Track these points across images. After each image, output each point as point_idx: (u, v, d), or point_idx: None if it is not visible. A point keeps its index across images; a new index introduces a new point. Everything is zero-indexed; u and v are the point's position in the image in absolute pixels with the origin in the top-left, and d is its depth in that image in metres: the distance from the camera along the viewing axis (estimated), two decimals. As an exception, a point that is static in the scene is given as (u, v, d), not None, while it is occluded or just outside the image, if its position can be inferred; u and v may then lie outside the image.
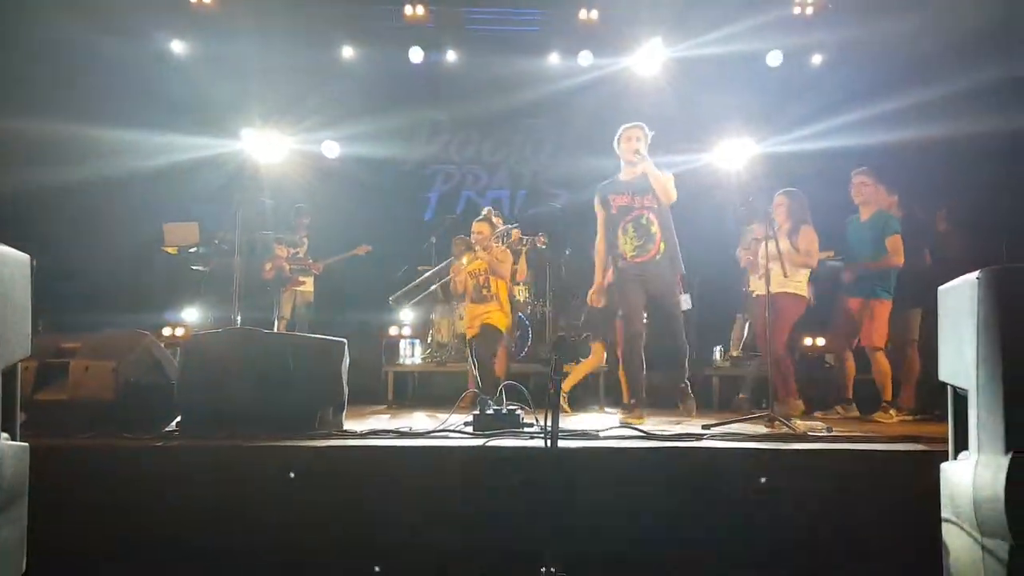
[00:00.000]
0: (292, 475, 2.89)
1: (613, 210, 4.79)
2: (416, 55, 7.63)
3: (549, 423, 2.75)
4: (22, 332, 1.94)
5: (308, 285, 7.17)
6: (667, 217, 4.73)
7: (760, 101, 7.51)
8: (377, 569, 2.86)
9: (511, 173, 8.94)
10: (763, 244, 4.77)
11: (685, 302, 5.38)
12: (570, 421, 4.40)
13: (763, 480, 2.88)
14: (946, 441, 2.20)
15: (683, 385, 4.78)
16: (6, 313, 1.85)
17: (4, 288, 1.84)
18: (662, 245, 4.68)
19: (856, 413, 5.15)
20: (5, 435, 1.88)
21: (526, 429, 3.51)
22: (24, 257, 1.97)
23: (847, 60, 7.42)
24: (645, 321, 4.96)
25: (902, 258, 5.05)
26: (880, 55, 7.08)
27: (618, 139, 4.86)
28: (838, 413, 5.16)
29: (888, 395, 5.08)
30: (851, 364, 5.28)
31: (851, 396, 5.25)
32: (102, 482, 2.87)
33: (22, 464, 1.94)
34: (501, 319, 5.61)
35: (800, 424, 3.95)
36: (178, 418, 3.61)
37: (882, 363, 5.10)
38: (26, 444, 1.97)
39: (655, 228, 4.68)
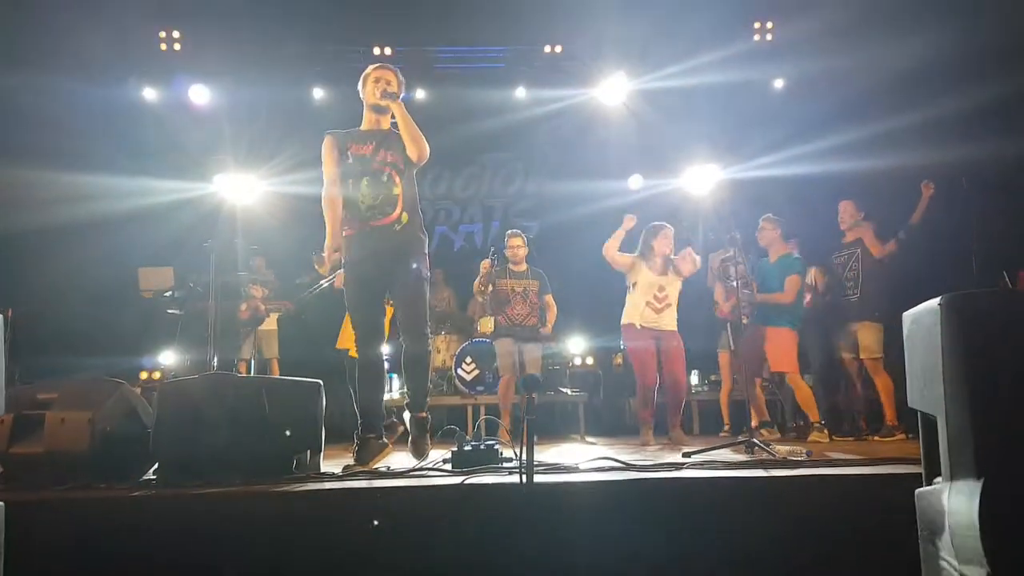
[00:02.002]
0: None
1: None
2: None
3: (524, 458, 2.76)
4: (-2, 389, 1.93)
5: (271, 324, 7.09)
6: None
7: (725, 128, 7.70)
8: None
9: (483, 207, 9.04)
10: (734, 267, 4.90)
11: None
12: (550, 452, 4.41)
13: (736, 508, 2.90)
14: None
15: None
16: (-19, 373, 1.84)
17: (-21, 347, 1.83)
18: None
19: (778, 435, 5.50)
20: (-20, 496, 1.86)
21: (504, 464, 3.51)
22: (-1, 314, 1.97)
23: (808, 87, 7.64)
24: None
25: (792, 297, 5.45)
26: (841, 81, 7.30)
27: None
28: (763, 435, 5.37)
29: (815, 416, 5.31)
30: (760, 392, 5.66)
31: (768, 418, 5.61)
32: (76, 534, 2.81)
33: (-2, 524, 1.91)
34: None
35: (781, 449, 4.00)
36: (155, 466, 3.56)
37: (800, 386, 5.38)
38: (1, 503, 1.94)
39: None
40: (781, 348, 5.44)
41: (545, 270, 6.45)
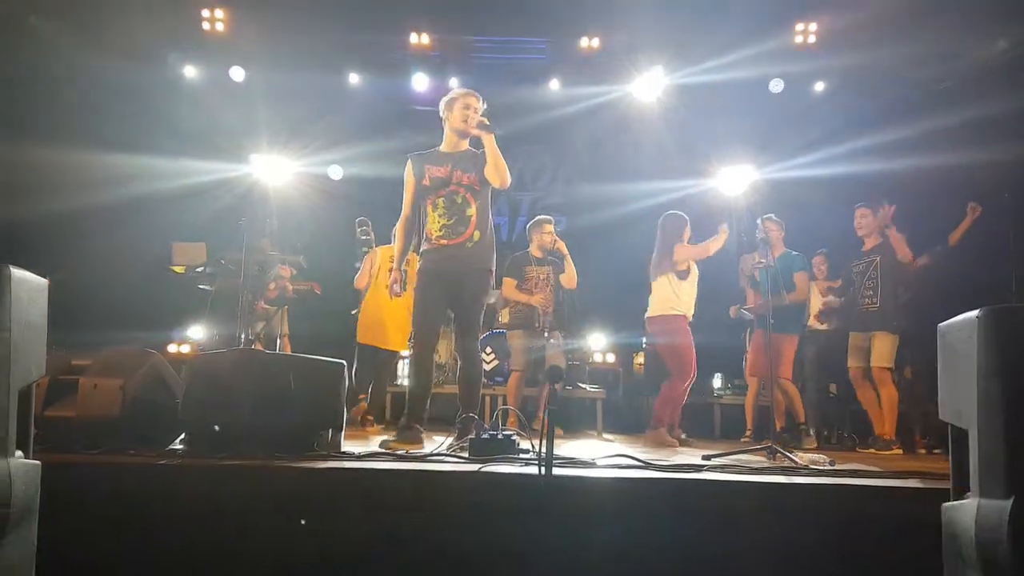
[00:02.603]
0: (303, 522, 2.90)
1: None
2: (420, 82, 7.74)
3: (544, 450, 2.77)
4: (39, 354, 1.99)
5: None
6: None
7: (761, 128, 7.61)
8: None
9: (510, 200, 9.03)
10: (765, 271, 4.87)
11: None
12: (567, 447, 4.41)
13: (755, 513, 2.89)
14: (949, 477, 2.22)
15: None
16: (25, 336, 1.89)
17: (23, 312, 1.88)
18: None
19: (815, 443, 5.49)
20: (19, 453, 1.91)
21: (521, 455, 3.53)
22: (42, 282, 2.02)
23: (849, 88, 7.52)
24: None
25: (806, 293, 5.49)
26: (882, 83, 7.19)
27: None
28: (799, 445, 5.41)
29: (801, 418, 5.35)
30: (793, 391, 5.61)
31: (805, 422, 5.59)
32: (106, 499, 2.89)
33: (34, 482, 1.96)
34: None
35: (802, 457, 3.97)
36: (182, 435, 3.63)
37: (789, 389, 5.45)
38: (38, 463, 2.00)
39: None
40: (785, 355, 5.44)
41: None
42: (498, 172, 4.03)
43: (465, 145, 4.21)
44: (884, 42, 6.74)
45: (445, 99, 4.25)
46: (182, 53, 7.49)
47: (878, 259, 5.48)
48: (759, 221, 5.55)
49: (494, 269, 4.24)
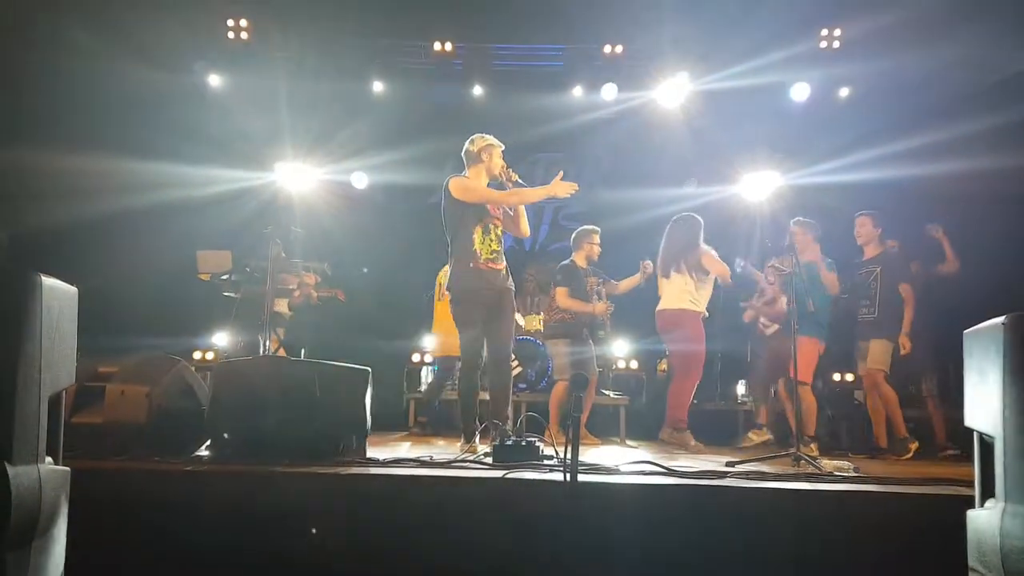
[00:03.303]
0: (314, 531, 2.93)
1: None
2: (445, 89, 7.80)
3: (568, 456, 2.77)
4: (69, 362, 2.03)
5: (281, 306, 7.07)
6: None
7: (786, 134, 7.55)
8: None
9: (533, 207, 9.02)
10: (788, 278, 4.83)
11: None
12: (589, 454, 4.40)
13: (780, 520, 2.86)
14: (973, 485, 2.19)
15: None
16: (55, 344, 1.93)
17: (54, 320, 1.92)
18: None
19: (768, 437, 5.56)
20: (49, 459, 1.96)
21: (545, 462, 3.53)
22: (72, 290, 2.07)
23: (874, 93, 7.44)
24: None
25: (836, 288, 5.44)
26: (907, 89, 7.10)
27: None
28: (751, 440, 5.29)
29: (811, 431, 5.28)
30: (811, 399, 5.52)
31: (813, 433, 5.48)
32: (133, 505, 2.94)
33: (63, 488, 2.00)
34: None
35: (827, 464, 3.92)
36: (207, 442, 3.69)
37: (807, 398, 5.30)
38: (68, 469, 2.04)
39: None
40: (805, 358, 5.31)
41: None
42: (523, 225, 4.68)
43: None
44: (909, 48, 6.65)
45: (480, 143, 4.60)
46: (207, 62, 7.60)
47: (878, 269, 5.43)
48: (792, 224, 5.53)
49: None
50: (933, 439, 5.52)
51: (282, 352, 6.12)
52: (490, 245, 4.48)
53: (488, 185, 4.58)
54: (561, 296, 5.72)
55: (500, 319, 4.49)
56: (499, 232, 4.56)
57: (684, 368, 5.36)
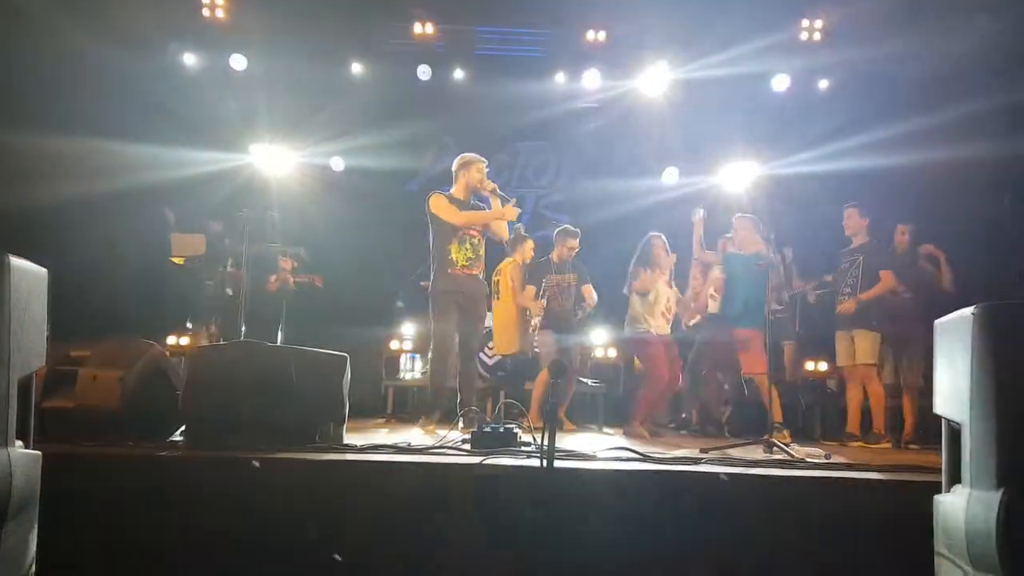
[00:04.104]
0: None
1: None
2: (424, 73, 7.71)
3: (546, 443, 2.79)
4: (39, 343, 2.00)
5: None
6: None
7: (766, 124, 7.58)
8: None
9: (515, 197, 9.01)
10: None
11: None
12: (567, 440, 4.43)
13: (751, 505, 2.91)
14: (940, 472, 2.24)
15: None
16: (24, 325, 1.90)
17: (23, 301, 1.89)
18: None
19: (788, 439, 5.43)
20: (20, 443, 1.93)
21: (523, 448, 3.55)
22: (41, 271, 2.03)
23: (854, 85, 7.49)
24: None
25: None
26: (887, 80, 7.16)
27: None
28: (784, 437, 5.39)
29: (778, 417, 5.28)
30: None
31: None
32: (105, 489, 2.91)
33: (34, 472, 1.98)
34: None
35: (798, 450, 3.99)
36: (182, 428, 3.66)
37: (765, 386, 5.27)
38: (39, 452, 2.02)
39: None
40: (756, 349, 5.43)
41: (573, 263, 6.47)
42: (500, 229, 5.18)
43: (470, 199, 5.18)
44: (890, 38, 6.71)
45: (462, 160, 5.19)
46: (181, 41, 7.44)
47: (861, 258, 5.49)
48: (734, 219, 5.62)
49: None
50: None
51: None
52: (466, 253, 5.04)
53: (471, 196, 5.19)
54: (528, 296, 5.82)
55: (471, 319, 5.10)
56: (475, 242, 5.08)
57: (647, 381, 5.64)
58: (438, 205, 5.02)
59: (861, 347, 5.36)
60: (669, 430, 5.85)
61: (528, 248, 5.95)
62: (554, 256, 5.94)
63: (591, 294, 5.98)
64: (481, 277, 5.17)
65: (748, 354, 5.46)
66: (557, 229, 6.07)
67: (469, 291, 5.06)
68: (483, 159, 5.21)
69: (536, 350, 5.93)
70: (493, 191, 5.10)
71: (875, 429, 5.32)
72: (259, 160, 6.47)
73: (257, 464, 2.93)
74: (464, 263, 5.04)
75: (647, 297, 5.60)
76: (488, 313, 5.50)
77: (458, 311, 5.04)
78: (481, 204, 5.23)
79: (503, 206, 5.13)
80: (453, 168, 5.23)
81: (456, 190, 5.15)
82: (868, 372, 5.37)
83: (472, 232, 5.07)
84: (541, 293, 5.77)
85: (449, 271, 5.03)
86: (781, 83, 7.59)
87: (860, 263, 5.49)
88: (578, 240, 5.91)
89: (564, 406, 5.64)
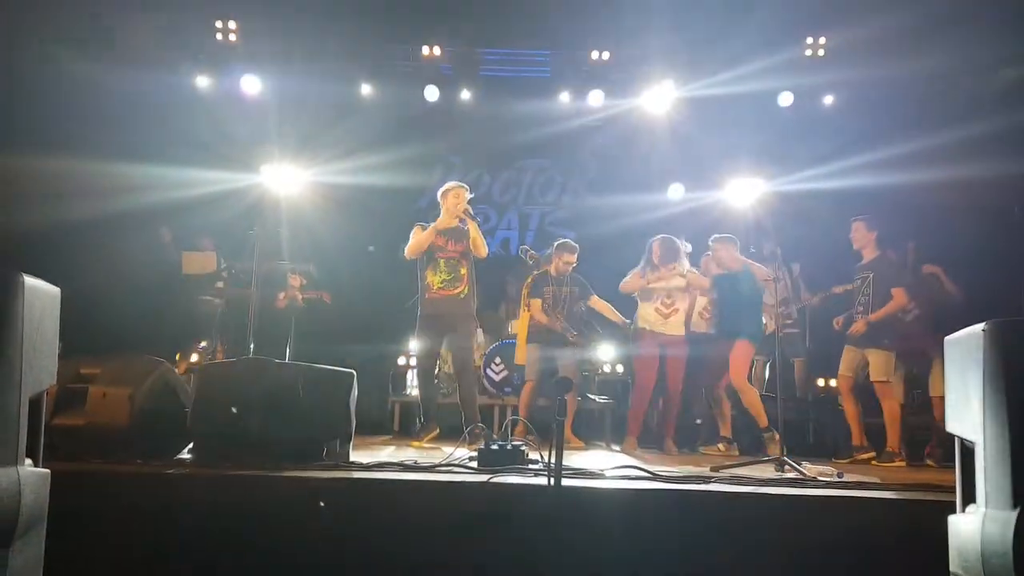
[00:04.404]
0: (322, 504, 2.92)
1: None
2: (432, 93, 7.79)
3: (553, 461, 2.77)
4: (50, 362, 2.00)
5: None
6: None
7: (771, 141, 7.60)
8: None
9: (520, 214, 9.07)
10: (774, 284, 4.88)
11: None
12: (575, 458, 4.40)
13: (763, 525, 2.88)
14: (955, 491, 2.21)
15: None
16: (36, 344, 1.91)
17: (35, 320, 1.90)
18: None
19: (736, 452, 5.57)
20: (29, 461, 1.93)
21: (530, 466, 3.53)
22: (54, 290, 2.04)
23: (859, 101, 7.51)
24: None
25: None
26: (892, 97, 7.18)
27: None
28: (719, 450, 5.46)
29: (764, 423, 5.35)
30: (726, 403, 5.76)
31: (730, 435, 5.69)
32: (114, 508, 2.90)
33: (43, 491, 1.98)
34: None
35: (811, 469, 3.95)
36: (190, 445, 3.66)
37: (748, 396, 5.46)
38: (47, 471, 2.02)
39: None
40: (739, 360, 5.48)
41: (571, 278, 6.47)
42: (479, 248, 5.34)
43: (455, 223, 5.39)
44: (894, 56, 6.73)
45: (443, 188, 5.46)
46: (194, 63, 7.55)
47: (871, 275, 5.46)
48: (710, 241, 5.66)
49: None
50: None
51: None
52: (441, 276, 5.33)
53: (458, 221, 5.42)
54: (535, 308, 5.93)
55: (456, 337, 5.34)
56: (453, 262, 5.33)
57: (634, 388, 5.77)
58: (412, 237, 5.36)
59: (875, 365, 5.30)
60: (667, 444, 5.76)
61: (561, 261, 5.96)
62: (551, 269, 5.97)
63: (610, 311, 6.02)
64: (464, 295, 5.33)
65: (735, 364, 5.48)
66: (556, 243, 6.10)
67: (448, 312, 5.27)
68: (463, 185, 5.43)
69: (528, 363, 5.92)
70: (465, 212, 5.32)
71: (888, 447, 5.26)
72: (269, 179, 6.52)
73: (323, 504, 2.93)
74: (439, 285, 5.30)
75: (641, 295, 5.71)
76: (477, 329, 5.77)
77: (440, 333, 5.31)
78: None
79: (475, 224, 5.32)
80: (437, 197, 5.45)
81: (441, 219, 5.39)
82: (883, 389, 5.32)
83: (448, 254, 5.33)
84: (545, 306, 5.80)
85: (427, 296, 5.34)
86: (786, 100, 7.62)
87: (871, 280, 5.45)
88: (575, 255, 5.93)
89: (569, 423, 5.62)
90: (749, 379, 6.90)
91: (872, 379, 5.33)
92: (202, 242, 7.05)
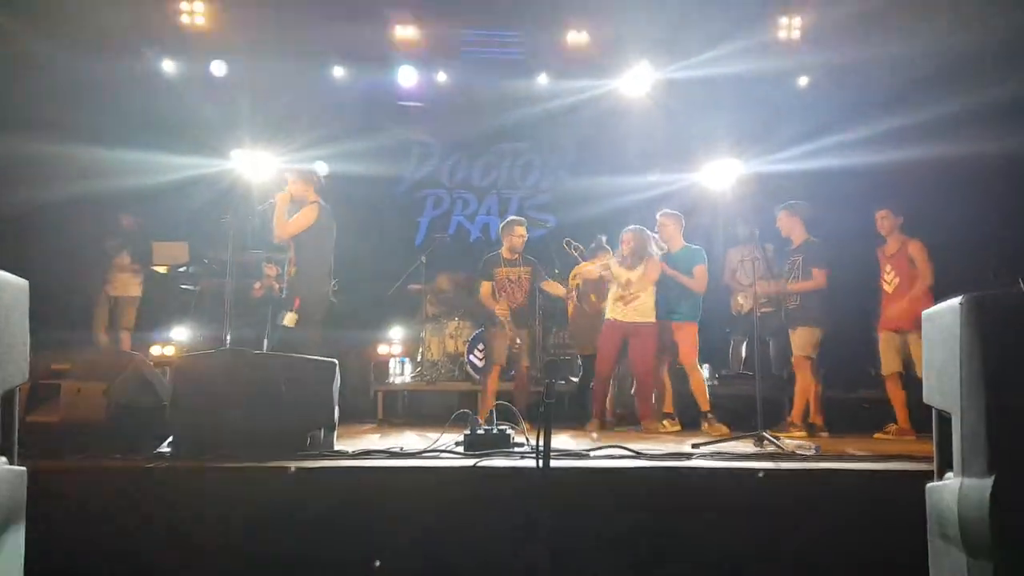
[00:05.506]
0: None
1: None
2: (407, 76, 7.69)
3: (541, 443, 2.77)
4: (21, 357, 1.96)
5: (133, 289, 6.93)
6: None
7: (747, 122, 7.62)
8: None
9: (500, 199, 9.02)
10: (751, 263, 4.91)
11: None
12: (561, 440, 4.41)
13: (745, 499, 2.92)
14: (929, 461, 2.26)
15: None
16: (6, 339, 1.86)
17: (3, 315, 1.85)
18: None
19: (678, 427, 5.52)
20: (3, 459, 1.89)
21: (516, 449, 3.54)
22: (23, 283, 1.99)
23: (833, 81, 7.54)
24: None
25: (704, 286, 5.63)
26: (866, 77, 7.22)
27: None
28: (664, 427, 5.46)
29: (705, 406, 5.44)
30: (667, 381, 5.74)
31: (672, 411, 5.66)
32: (93, 504, 2.87)
33: (19, 488, 1.94)
34: None
35: (789, 443, 4.01)
36: (170, 439, 3.61)
37: (697, 377, 5.54)
38: (24, 468, 1.98)
39: None
40: (688, 340, 5.54)
41: (561, 265, 6.42)
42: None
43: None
44: (867, 36, 6.75)
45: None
46: (160, 47, 7.36)
47: (800, 259, 5.51)
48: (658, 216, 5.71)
49: None
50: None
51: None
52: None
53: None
54: (484, 291, 5.90)
55: None
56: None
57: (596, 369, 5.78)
58: None
59: (798, 340, 5.38)
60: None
61: (515, 236, 5.91)
62: (504, 251, 5.93)
63: (554, 287, 6.02)
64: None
65: (684, 345, 5.53)
66: (504, 222, 6.07)
67: None
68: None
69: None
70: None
71: (811, 420, 5.38)
72: (241, 165, 6.40)
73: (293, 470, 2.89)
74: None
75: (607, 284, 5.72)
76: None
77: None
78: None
79: None
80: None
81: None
82: (801, 363, 5.38)
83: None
84: (513, 285, 5.80)
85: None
86: (762, 81, 7.63)
87: (799, 263, 5.50)
88: (525, 227, 5.92)
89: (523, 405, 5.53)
90: (727, 357, 7.01)
91: (795, 353, 5.41)
92: (121, 219, 6.92)
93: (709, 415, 5.38)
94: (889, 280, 5.35)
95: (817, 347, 5.38)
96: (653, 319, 5.57)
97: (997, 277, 5.70)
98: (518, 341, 5.79)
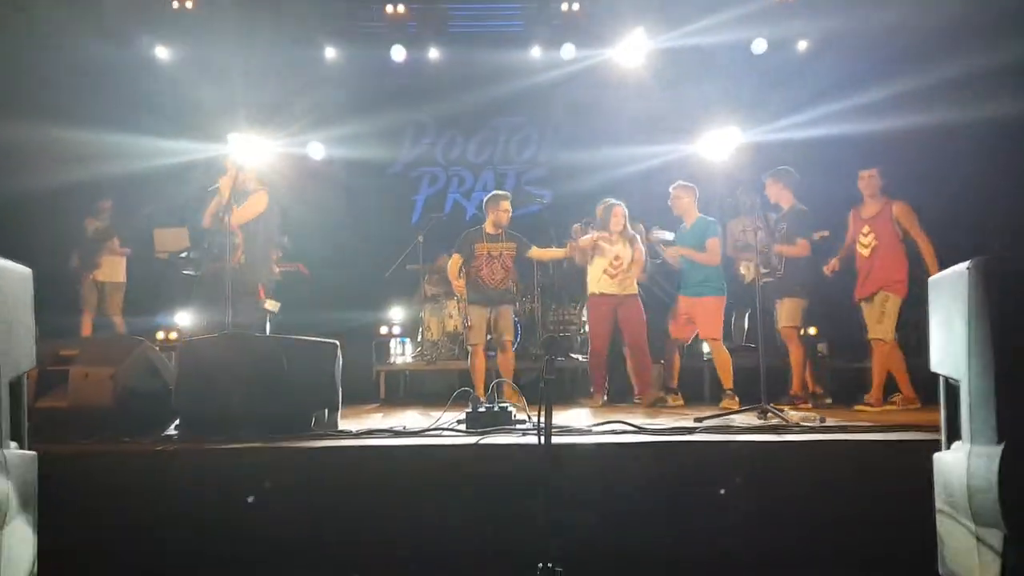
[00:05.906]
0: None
1: None
2: (398, 54, 7.61)
3: (542, 419, 2.78)
4: (28, 344, 1.96)
5: (117, 273, 6.98)
6: None
7: (745, 90, 7.55)
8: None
9: (496, 175, 8.96)
10: (754, 234, 4.88)
11: None
12: (563, 416, 4.43)
13: (749, 472, 2.93)
14: (939, 430, 2.25)
15: None
16: (12, 327, 1.86)
17: (9, 302, 1.85)
18: None
19: (681, 402, 5.53)
20: (14, 444, 1.90)
21: (518, 426, 3.55)
22: (26, 271, 1.99)
23: (832, 47, 7.46)
24: None
25: (719, 258, 5.54)
26: (866, 42, 7.13)
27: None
28: (668, 402, 5.48)
29: (728, 384, 5.33)
30: (676, 357, 5.69)
31: (675, 385, 5.64)
32: (104, 487, 2.89)
33: (31, 472, 1.95)
34: None
35: (793, 415, 4.02)
36: (176, 421, 3.63)
37: (720, 353, 5.45)
38: (35, 453, 1.99)
39: None
40: (715, 315, 5.48)
41: (557, 239, 6.39)
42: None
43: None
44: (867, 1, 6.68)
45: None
46: (153, 34, 7.29)
47: (784, 227, 5.47)
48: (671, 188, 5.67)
49: None
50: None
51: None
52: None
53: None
54: (453, 264, 5.78)
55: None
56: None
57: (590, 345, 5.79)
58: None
59: (785, 311, 5.35)
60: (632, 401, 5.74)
61: (500, 210, 5.79)
62: (487, 226, 5.79)
63: (549, 252, 6.02)
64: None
65: (706, 320, 5.48)
66: (487, 196, 5.93)
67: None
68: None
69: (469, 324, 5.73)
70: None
71: (811, 389, 5.41)
72: (237, 149, 6.34)
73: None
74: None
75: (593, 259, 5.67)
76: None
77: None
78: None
79: None
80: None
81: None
82: (788, 333, 5.36)
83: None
84: (471, 262, 5.72)
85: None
86: (759, 47, 7.55)
87: (784, 233, 5.43)
88: (510, 201, 5.82)
89: (509, 381, 5.48)
90: (729, 329, 7.00)
91: (781, 324, 5.38)
92: (98, 206, 6.92)
93: (729, 392, 5.28)
94: (867, 243, 5.13)
95: (801, 317, 5.36)
96: (636, 291, 5.62)
97: (1003, 246, 5.67)
98: (469, 319, 5.68)
